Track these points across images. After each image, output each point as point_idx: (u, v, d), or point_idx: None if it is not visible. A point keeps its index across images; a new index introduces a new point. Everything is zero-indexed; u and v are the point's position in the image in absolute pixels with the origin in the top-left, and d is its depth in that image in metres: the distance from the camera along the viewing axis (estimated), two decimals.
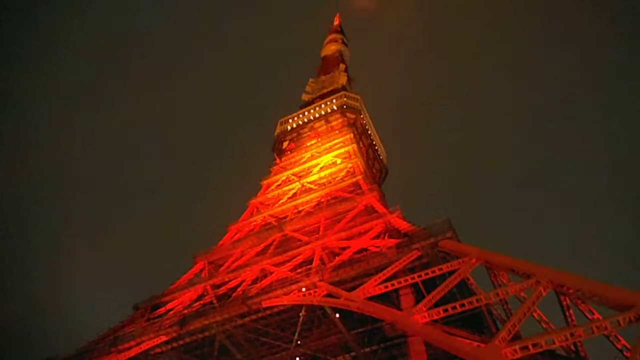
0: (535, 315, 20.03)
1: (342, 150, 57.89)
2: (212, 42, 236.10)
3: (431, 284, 24.70)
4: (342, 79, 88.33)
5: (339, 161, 55.40)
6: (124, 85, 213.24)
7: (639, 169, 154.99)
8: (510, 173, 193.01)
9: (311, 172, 55.96)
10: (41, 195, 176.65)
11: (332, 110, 74.69)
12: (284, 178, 58.00)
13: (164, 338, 30.43)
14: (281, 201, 51.32)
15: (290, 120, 78.31)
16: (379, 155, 77.39)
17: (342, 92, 77.84)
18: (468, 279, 24.23)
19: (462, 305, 19.48)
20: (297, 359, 32.99)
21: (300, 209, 47.31)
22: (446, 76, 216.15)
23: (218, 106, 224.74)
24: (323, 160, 57.75)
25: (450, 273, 22.99)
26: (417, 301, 23.27)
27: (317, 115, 76.03)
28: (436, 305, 20.08)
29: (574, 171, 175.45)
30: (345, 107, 73.83)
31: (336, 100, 75.82)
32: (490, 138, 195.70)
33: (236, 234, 47.18)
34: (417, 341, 23.58)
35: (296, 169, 58.74)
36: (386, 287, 24.22)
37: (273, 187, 56.88)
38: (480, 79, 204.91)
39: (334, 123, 73.22)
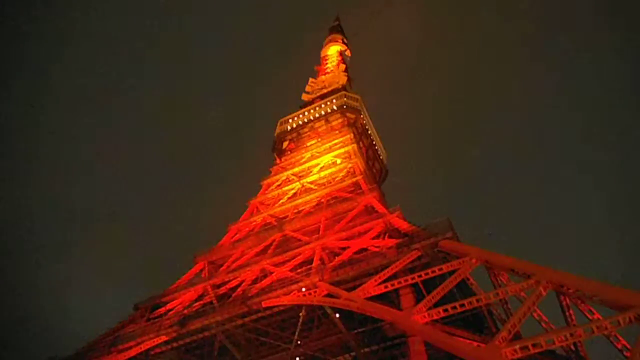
0: (535, 315, 20.03)
1: (342, 150, 57.84)
2: (212, 42, 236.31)
3: (431, 284, 24.69)
4: (342, 79, 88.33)
5: (339, 161, 55.38)
6: (125, 84, 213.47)
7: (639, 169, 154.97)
8: (510, 173, 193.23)
9: (311, 172, 55.95)
10: (41, 195, 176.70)
11: (332, 110, 74.65)
12: (284, 178, 57.98)
13: (164, 338, 30.43)
14: (281, 201, 51.30)
15: (290, 120, 78.24)
16: (379, 155, 77.36)
17: (342, 92, 77.75)
18: (468, 279, 24.21)
19: (462, 305, 19.47)
20: (297, 359, 32.97)
21: (300, 209, 47.28)
22: (446, 76, 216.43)
23: (218, 106, 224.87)
24: (323, 160, 57.73)
25: (450, 273, 22.98)
26: (417, 301, 23.22)
27: (317, 115, 75.98)
28: (436, 305, 20.07)
29: (574, 171, 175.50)
30: (345, 107, 73.75)
31: (336, 100, 75.76)
32: (490, 138, 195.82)
33: (236, 234, 47.17)
34: (417, 341, 23.50)
35: (296, 169, 58.71)
36: (386, 287, 24.22)
37: (273, 187, 56.87)
38: (481, 77, 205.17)
39: (334, 123, 73.18)
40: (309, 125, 75.34)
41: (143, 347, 30.53)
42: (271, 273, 32.76)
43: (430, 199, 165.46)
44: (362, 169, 50.30)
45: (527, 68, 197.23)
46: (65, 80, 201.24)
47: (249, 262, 36.92)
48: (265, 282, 31.24)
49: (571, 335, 15.82)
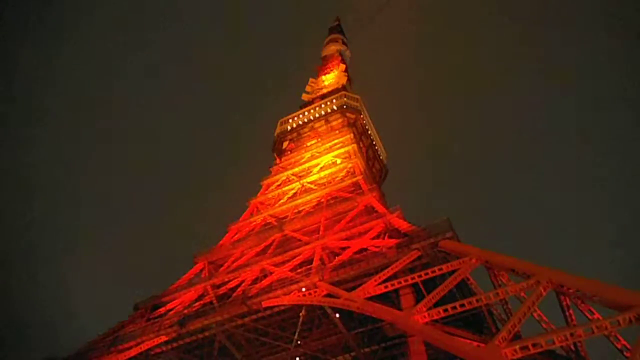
0: (535, 315, 19.99)
1: (342, 150, 57.87)
2: (212, 42, 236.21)
3: (431, 284, 24.69)
4: (342, 79, 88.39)
5: (339, 161, 55.39)
6: (124, 85, 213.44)
7: (639, 169, 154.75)
8: (510, 173, 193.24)
9: (311, 172, 55.96)
10: (42, 196, 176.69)
11: (332, 110, 74.69)
12: (284, 178, 58.00)
13: (164, 338, 30.41)
14: (281, 201, 51.31)
15: (290, 120, 78.31)
16: (379, 155, 77.39)
17: (342, 92, 77.88)
18: (468, 279, 24.20)
19: (462, 305, 19.44)
20: (297, 359, 32.98)
21: (300, 209, 47.30)
22: (446, 75, 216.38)
23: (218, 106, 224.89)
24: (323, 160, 57.74)
25: (450, 273, 22.97)
26: (417, 301, 23.22)
27: (317, 115, 76.04)
28: (436, 305, 20.05)
29: (574, 171, 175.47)
30: (345, 107, 73.83)
31: (336, 100, 75.82)
32: (490, 138, 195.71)
33: (236, 234, 47.17)
34: (417, 341, 23.52)
35: (296, 169, 58.74)
36: (386, 287, 24.19)
37: (273, 187, 56.88)
38: (480, 78, 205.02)
39: (334, 123, 73.22)
40: (309, 125, 75.39)
41: (143, 347, 30.51)
42: (271, 273, 32.75)
43: (430, 199, 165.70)
44: (362, 169, 50.31)
45: (528, 68, 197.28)
46: (65, 82, 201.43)
47: (249, 262, 36.90)
48: (265, 282, 31.21)
49: (571, 335, 15.80)
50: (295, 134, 75.65)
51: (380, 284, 24.39)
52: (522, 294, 20.34)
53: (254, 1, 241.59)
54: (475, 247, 23.79)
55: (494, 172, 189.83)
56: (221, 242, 46.07)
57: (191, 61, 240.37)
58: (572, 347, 18.63)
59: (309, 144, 69.36)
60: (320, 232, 36.63)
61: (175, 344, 31.51)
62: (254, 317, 30.04)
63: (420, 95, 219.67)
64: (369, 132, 75.95)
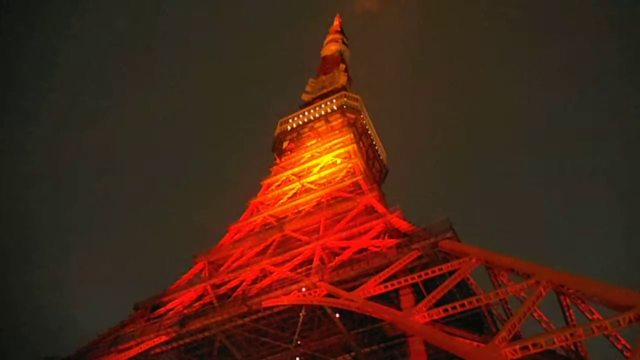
0: (535, 315, 20.03)
1: (342, 150, 57.89)
2: (212, 42, 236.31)
3: (431, 284, 24.71)
4: (342, 79, 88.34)
5: (339, 161, 55.40)
6: (124, 86, 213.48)
7: (639, 170, 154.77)
8: (510, 173, 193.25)
9: (311, 172, 55.97)
10: (42, 196, 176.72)
11: (332, 110, 74.69)
12: (284, 178, 58.02)
13: (164, 338, 30.43)
14: (281, 201, 51.33)
15: (290, 120, 78.30)
16: (379, 155, 77.40)
17: (342, 92, 77.84)
18: (468, 279, 24.23)
19: (462, 305, 19.46)
20: (297, 359, 32.97)
21: (300, 209, 47.30)
22: (446, 75, 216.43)
23: (218, 106, 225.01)
24: (323, 160, 57.76)
25: (450, 273, 22.98)
26: (417, 301, 23.22)
27: (317, 115, 76.03)
28: (436, 305, 20.07)
29: (574, 171, 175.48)
30: (345, 107, 73.83)
31: (336, 100, 75.82)
32: (490, 138, 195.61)
33: (236, 234, 47.20)
34: (417, 341, 23.50)
35: (296, 169, 58.76)
36: (386, 287, 24.21)
37: (273, 187, 56.90)
38: (480, 77, 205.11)
39: (334, 123, 73.22)
40: (309, 125, 75.40)
41: (143, 347, 30.53)
42: (271, 273, 32.77)
43: (430, 198, 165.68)
44: (362, 169, 50.31)
45: (529, 67, 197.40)
46: (64, 81, 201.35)
47: (249, 262, 36.93)
48: (265, 282, 31.23)
49: (571, 335, 15.80)
50: (295, 134, 75.66)
51: (380, 284, 24.41)
52: (522, 294, 20.37)
53: (254, 1, 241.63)
54: (475, 247, 23.81)
55: (495, 172, 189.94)
56: (221, 242, 46.10)
57: (191, 61, 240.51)
58: (572, 347, 18.65)
59: (309, 144, 69.37)
60: (320, 232, 36.65)
61: (175, 344, 31.54)
62: (254, 317, 30.05)
63: (420, 94, 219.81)
64: (369, 132, 75.96)
